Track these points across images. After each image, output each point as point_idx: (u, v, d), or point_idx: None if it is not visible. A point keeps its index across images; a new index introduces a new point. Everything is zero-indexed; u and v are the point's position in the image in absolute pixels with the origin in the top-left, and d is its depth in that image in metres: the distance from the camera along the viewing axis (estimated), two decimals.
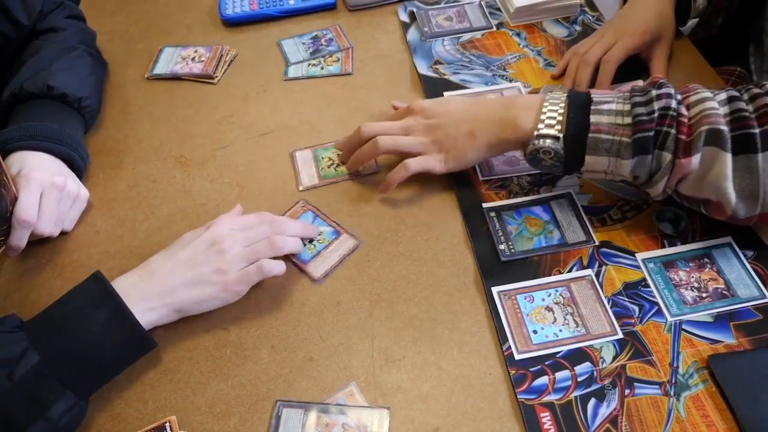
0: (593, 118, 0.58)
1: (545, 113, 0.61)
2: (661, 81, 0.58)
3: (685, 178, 0.56)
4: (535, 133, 0.60)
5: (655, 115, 0.55)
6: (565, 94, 0.61)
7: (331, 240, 0.66)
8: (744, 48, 0.84)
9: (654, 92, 0.57)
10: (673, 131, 0.55)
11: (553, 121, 0.60)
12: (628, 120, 0.57)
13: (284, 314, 0.60)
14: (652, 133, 0.55)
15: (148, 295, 0.56)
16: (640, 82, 0.63)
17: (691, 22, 0.93)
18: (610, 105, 0.58)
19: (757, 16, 0.80)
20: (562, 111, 0.60)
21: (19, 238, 0.63)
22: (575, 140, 0.59)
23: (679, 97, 0.57)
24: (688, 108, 0.56)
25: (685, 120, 0.55)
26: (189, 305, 0.58)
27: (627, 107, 0.57)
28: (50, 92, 0.74)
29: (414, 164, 0.66)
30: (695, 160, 0.55)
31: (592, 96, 0.60)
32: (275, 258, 0.61)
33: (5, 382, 0.49)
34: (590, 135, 0.58)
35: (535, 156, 0.61)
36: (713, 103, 0.55)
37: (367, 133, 0.69)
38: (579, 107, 0.59)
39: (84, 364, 0.52)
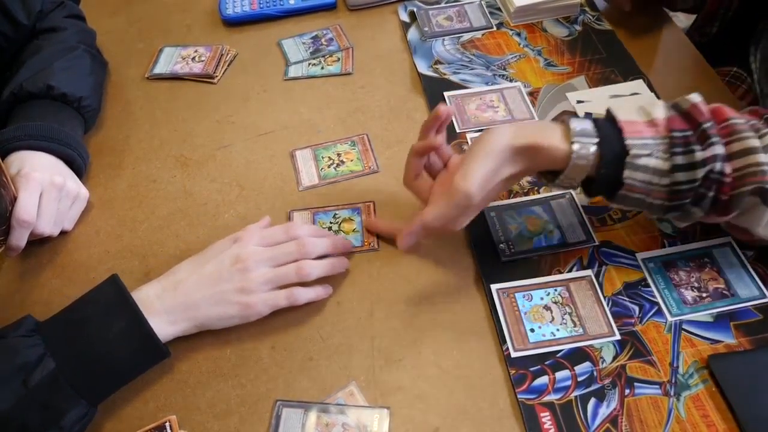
0: (627, 174, 0.51)
1: (573, 168, 0.53)
2: (704, 126, 0.51)
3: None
4: (561, 177, 0.54)
5: (697, 183, 0.50)
6: (596, 141, 0.52)
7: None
8: (743, 48, 0.84)
9: (699, 155, 0.50)
10: (711, 193, 0.51)
11: (581, 173, 0.53)
12: (665, 181, 0.51)
13: (284, 314, 0.60)
14: (688, 200, 0.52)
15: (170, 308, 0.56)
16: (696, 97, 0.53)
17: (684, 25, 0.93)
18: (648, 160, 0.51)
19: (760, 18, 0.79)
20: (591, 159, 0.52)
21: (19, 238, 0.63)
22: (602, 190, 0.55)
23: (723, 150, 0.50)
24: (730, 158, 0.50)
25: (728, 180, 0.50)
26: (210, 322, 0.58)
27: (666, 165, 0.51)
28: (50, 92, 0.74)
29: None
30: (731, 215, 0.52)
31: (626, 142, 0.51)
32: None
33: (21, 388, 0.49)
34: (620, 192, 0.53)
35: (556, 182, 0.56)
36: (759, 156, 0.49)
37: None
38: (612, 159, 0.52)
39: (98, 372, 0.52)
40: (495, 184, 0.54)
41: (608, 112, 0.55)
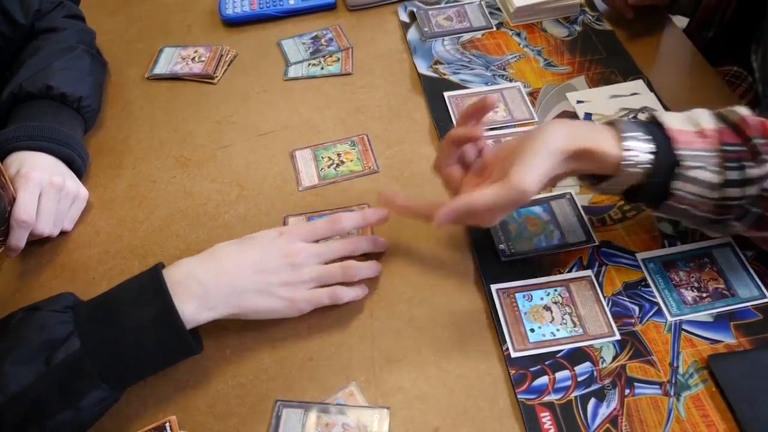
0: (678, 185, 0.50)
1: (623, 175, 0.52)
2: (755, 142, 0.49)
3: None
4: (607, 182, 0.53)
5: (748, 200, 0.50)
6: (652, 150, 0.51)
7: None
8: (743, 47, 0.84)
9: (753, 171, 0.49)
10: (759, 210, 0.50)
11: (630, 181, 0.52)
12: (715, 195, 0.50)
13: None
14: (733, 216, 0.51)
15: (213, 292, 0.54)
16: (743, 109, 0.51)
17: (684, 25, 0.93)
18: (699, 173, 0.50)
19: (761, 18, 0.79)
20: (645, 168, 0.51)
21: (18, 239, 0.63)
22: (647, 199, 0.53)
23: None
24: None
25: None
26: (251, 312, 0.56)
27: (718, 179, 0.50)
28: (49, 92, 0.74)
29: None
30: None
31: (678, 152, 0.50)
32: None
33: (42, 365, 0.48)
34: (667, 203, 0.52)
35: (600, 186, 0.55)
36: None
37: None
38: (664, 169, 0.50)
39: (124, 359, 0.51)
40: (544, 184, 0.53)
41: (654, 117, 0.54)
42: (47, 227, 0.65)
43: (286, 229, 0.60)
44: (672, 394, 0.51)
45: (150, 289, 0.53)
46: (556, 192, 0.67)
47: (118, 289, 0.54)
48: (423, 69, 0.84)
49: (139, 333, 0.51)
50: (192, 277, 0.54)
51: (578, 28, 0.88)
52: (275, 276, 0.56)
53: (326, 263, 0.59)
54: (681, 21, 0.92)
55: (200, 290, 0.54)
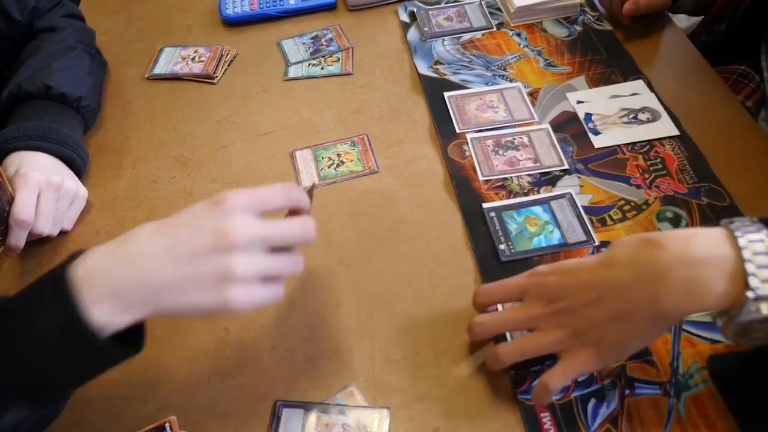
0: None
1: (751, 261, 0.41)
2: None
3: None
4: (751, 295, 0.40)
5: None
6: (763, 229, 0.42)
7: None
8: (753, 46, 0.83)
9: None
10: None
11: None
12: None
13: (284, 314, 0.60)
14: None
15: (123, 291, 0.42)
16: None
17: (690, 23, 0.93)
18: None
19: None
20: None
21: (17, 238, 0.63)
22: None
23: None
24: None
25: None
26: (176, 312, 0.44)
27: None
28: (49, 92, 0.74)
29: (558, 381, 0.48)
30: None
31: None
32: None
33: None
34: None
35: (748, 328, 0.42)
36: None
37: (480, 307, 0.55)
38: None
39: (33, 371, 0.42)
40: None
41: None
42: (46, 227, 0.65)
43: (224, 196, 0.45)
44: (672, 394, 0.51)
45: (50, 292, 0.42)
46: (556, 192, 0.67)
47: (20, 292, 0.44)
48: (423, 69, 0.84)
49: (42, 344, 0.41)
50: (100, 271, 0.43)
51: (578, 28, 0.88)
52: (205, 265, 0.43)
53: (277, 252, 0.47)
54: (681, 21, 0.92)
55: (108, 287, 0.42)
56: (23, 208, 0.62)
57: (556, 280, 0.49)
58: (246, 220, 0.44)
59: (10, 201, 0.62)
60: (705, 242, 0.43)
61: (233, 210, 0.44)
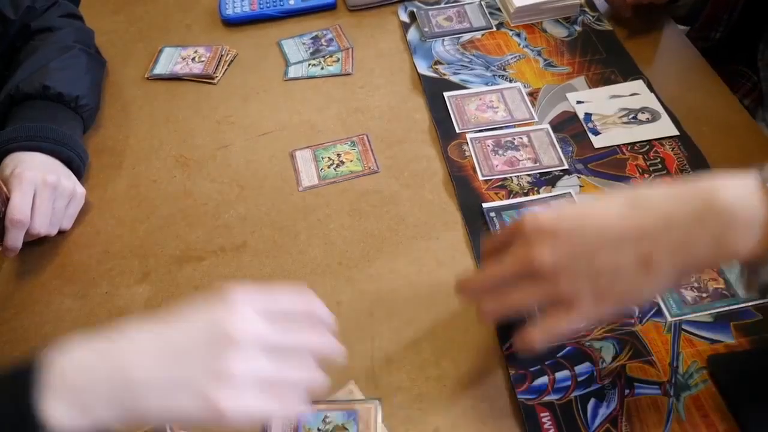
0: None
1: None
2: None
3: None
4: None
5: None
6: None
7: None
8: (750, 47, 0.83)
9: None
10: None
11: None
12: None
13: None
14: None
15: (91, 383, 0.37)
16: None
17: (683, 28, 0.93)
18: None
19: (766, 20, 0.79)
20: None
21: (15, 239, 0.63)
22: None
23: None
24: None
25: None
26: (149, 416, 0.38)
27: None
28: (46, 92, 0.74)
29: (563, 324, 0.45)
30: None
31: None
32: None
33: None
34: None
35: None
36: None
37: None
38: None
39: None
40: None
41: None
42: (43, 226, 0.65)
43: (227, 289, 0.41)
44: (672, 394, 0.51)
45: (10, 385, 0.37)
46: (556, 192, 0.67)
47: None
48: (423, 69, 0.84)
49: None
50: (79, 363, 0.38)
51: (578, 28, 0.88)
52: (193, 360, 0.38)
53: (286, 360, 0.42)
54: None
55: (76, 378, 0.37)
56: (18, 208, 0.62)
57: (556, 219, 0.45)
58: (250, 315, 0.40)
59: (6, 201, 0.62)
60: (734, 192, 0.41)
61: (236, 303, 0.40)
